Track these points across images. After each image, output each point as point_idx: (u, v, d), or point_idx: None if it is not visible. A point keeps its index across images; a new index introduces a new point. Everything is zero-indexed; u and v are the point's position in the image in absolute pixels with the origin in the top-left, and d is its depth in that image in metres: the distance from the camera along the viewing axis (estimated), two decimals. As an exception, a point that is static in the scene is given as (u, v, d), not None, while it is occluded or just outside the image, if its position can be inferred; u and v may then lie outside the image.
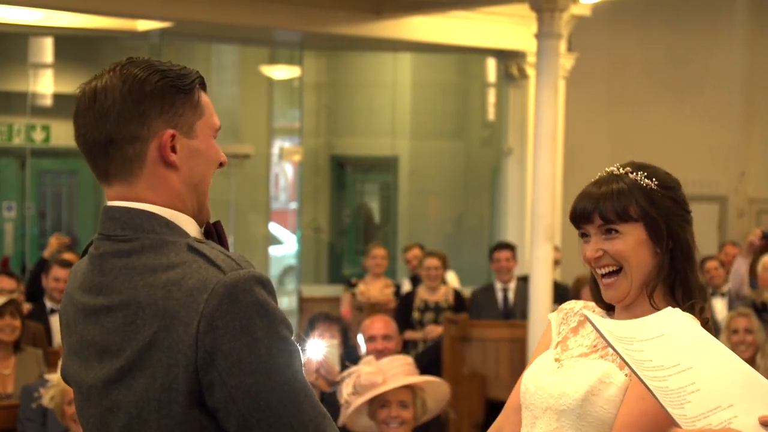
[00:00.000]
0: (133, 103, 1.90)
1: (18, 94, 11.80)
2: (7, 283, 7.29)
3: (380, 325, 5.88)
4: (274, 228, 12.98)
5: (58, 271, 7.29)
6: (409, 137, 13.43)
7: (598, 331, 1.94)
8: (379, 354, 5.28)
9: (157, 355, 1.83)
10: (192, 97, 1.95)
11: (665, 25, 12.80)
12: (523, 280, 8.64)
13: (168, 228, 1.91)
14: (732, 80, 13.05)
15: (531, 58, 10.21)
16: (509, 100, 11.37)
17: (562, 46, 9.65)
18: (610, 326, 1.97)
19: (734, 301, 8.17)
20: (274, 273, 12.48)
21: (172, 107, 1.92)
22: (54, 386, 5.09)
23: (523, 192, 10.87)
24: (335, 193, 13.82)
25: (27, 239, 12.02)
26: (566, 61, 10.56)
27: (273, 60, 12.53)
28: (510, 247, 8.99)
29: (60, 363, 2.17)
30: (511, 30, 10.71)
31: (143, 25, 10.31)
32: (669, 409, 1.84)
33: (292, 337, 1.86)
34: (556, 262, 9.28)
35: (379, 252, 9.72)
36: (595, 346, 2.36)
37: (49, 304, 7.39)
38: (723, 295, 8.59)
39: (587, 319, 2.01)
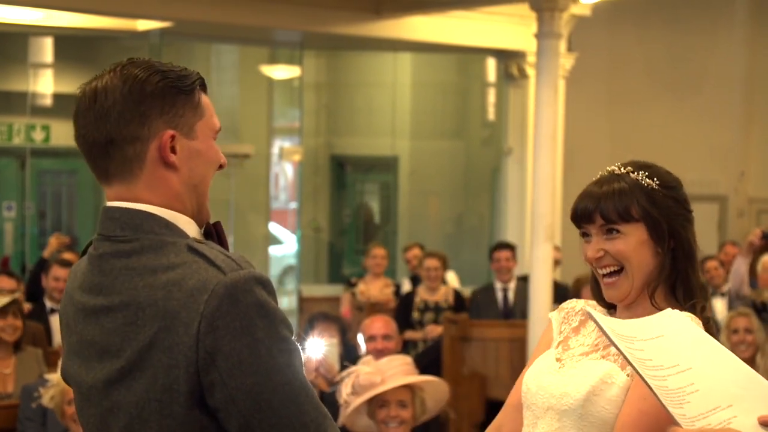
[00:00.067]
0: (134, 103, 1.90)
1: (18, 93, 11.80)
2: (7, 282, 7.29)
3: (380, 324, 5.88)
4: (274, 228, 12.98)
5: (57, 271, 7.29)
6: (409, 137, 13.44)
7: (600, 327, 1.94)
8: (379, 354, 5.28)
9: (158, 355, 1.83)
10: (192, 98, 1.95)
11: (665, 24, 12.81)
12: (523, 280, 8.64)
13: (167, 229, 1.91)
14: (732, 80, 13.05)
15: (531, 58, 10.21)
16: (509, 100, 11.37)
17: (562, 45, 9.66)
18: (612, 324, 1.97)
19: (734, 300, 8.17)
20: (274, 273, 12.49)
21: (173, 108, 1.93)
22: (54, 386, 5.09)
23: (523, 192, 10.87)
24: (335, 192, 13.82)
25: (27, 239, 12.02)
26: (566, 61, 10.57)
27: (273, 60, 12.54)
28: (510, 247, 8.99)
29: (60, 363, 2.17)
30: (511, 30, 10.71)
31: (143, 25, 10.31)
32: (669, 408, 1.84)
33: (293, 338, 1.87)
34: (556, 262, 9.28)
35: (379, 252, 9.72)
36: (596, 346, 2.36)
37: (49, 304, 7.39)
38: (723, 295, 8.59)
39: (589, 315, 2.01)
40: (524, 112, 11.01)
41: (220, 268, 1.83)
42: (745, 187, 13.26)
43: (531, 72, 10.41)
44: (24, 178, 12.00)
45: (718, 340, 2.07)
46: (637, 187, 2.33)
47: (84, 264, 1.99)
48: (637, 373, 1.88)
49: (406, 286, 9.75)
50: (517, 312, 8.59)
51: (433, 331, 8.53)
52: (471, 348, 8.24)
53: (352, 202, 14.08)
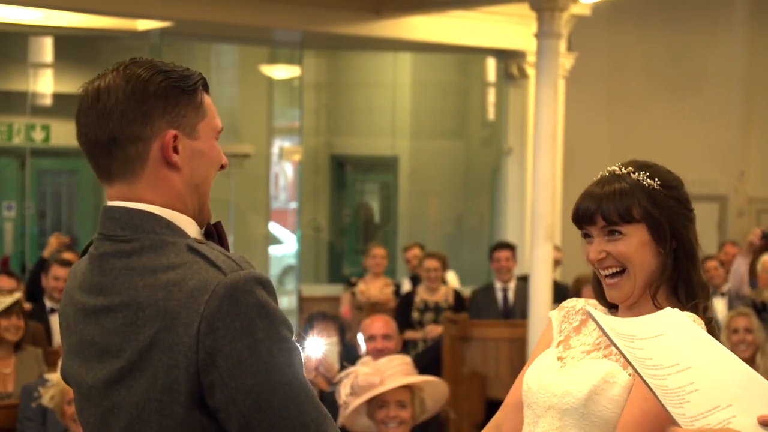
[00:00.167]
0: (137, 103, 1.90)
1: (18, 93, 11.80)
2: (7, 282, 7.29)
3: (380, 324, 5.88)
4: (274, 228, 12.98)
5: (57, 271, 7.29)
6: (409, 137, 13.43)
7: (599, 326, 1.94)
8: (379, 353, 5.28)
9: (158, 355, 1.83)
10: (195, 99, 1.95)
11: (665, 24, 12.81)
12: (523, 280, 8.64)
13: (168, 229, 1.91)
14: (731, 80, 13.05)
15: (531, 58, 10.21)
16: (509, 100, 11.37)
17: (562, 45, 9.66)
18: (612, 323, 1.97)
19: (734, 300, 8.17)
20: (274, 273, 12.49)
21: (175, 108, 1.93)
22: (54, 386, 5.09)
23: (523, 192, 10.87)
24: (335, 192, 13.82)
25: (27, 239, 12.01)
26: (566, 61, 10.57)
27: (273, 60, 12.54)
28: (510, 246, 8.99)
29: (60, 363, 2.17)
30: (511, 30, 10.71)
31: (143, 24, 10.31)
32: (668, 408, 1.84)
33: (293, 338, 1.87)
34: (557, 262, 9.28)
35: (378, 251, 9.72)
36: (598, 345, 2.36)
37: (48, 304, 7.39)
38: (723, 294, 8.59)
39: (589, 314, 2.01)
40: (524, 111, 11.01)
41: (221, 269, 1.83)
42: (745, 187, 13.26)
43: (531, 72, 10.41)
44: (24, 177, 11.99)
45: (719, 340, 2.06)
46: (638, 188, 2.32)
47: (84, 264, 1.99)
48: (637, 372, 1.88)
49: (406, 286, 9.75)
50: (517, 312, 8.59)
51: (433, 331, 8.53)
52: (471, 348, 8.24)
53: (352, 202, 14.08)
